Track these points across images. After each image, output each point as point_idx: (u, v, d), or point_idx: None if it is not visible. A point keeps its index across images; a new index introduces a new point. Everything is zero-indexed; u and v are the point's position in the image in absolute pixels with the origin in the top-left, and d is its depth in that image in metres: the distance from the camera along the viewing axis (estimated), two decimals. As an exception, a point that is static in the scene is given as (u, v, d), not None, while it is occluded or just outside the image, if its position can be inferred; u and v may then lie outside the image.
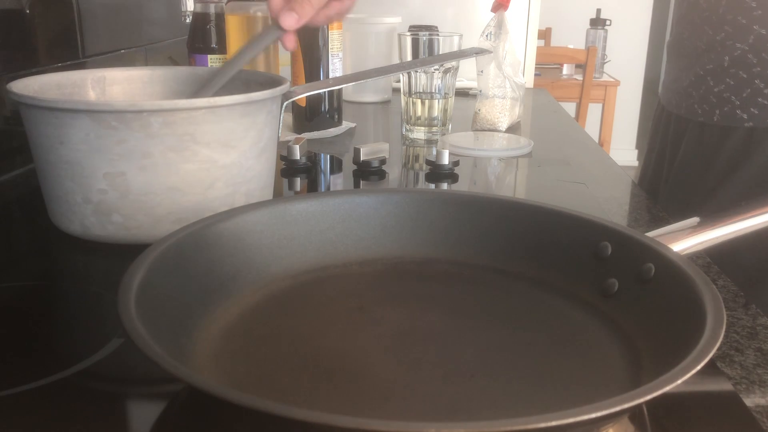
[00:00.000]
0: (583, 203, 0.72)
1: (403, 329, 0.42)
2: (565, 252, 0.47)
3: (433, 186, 0.78)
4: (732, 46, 0.79)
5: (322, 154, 0.89)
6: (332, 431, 0.26)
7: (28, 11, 0.77)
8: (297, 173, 0.79)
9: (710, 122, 0.83)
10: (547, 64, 3.19)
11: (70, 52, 0.86)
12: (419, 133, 0.99)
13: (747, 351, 0.43)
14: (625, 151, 4.16)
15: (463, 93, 1.31)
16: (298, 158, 0.80)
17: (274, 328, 0.41)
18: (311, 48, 0.94)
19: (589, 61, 2.85)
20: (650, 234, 0.44)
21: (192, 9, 1.00)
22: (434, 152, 0.80)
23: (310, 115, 0.97)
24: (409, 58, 0.98)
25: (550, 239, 0.48)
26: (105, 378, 0.38)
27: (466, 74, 1.33)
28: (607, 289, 0.44)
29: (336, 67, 0.96)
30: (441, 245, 0.51)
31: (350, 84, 0.82)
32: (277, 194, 0.71)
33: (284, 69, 1.07)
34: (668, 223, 0.47)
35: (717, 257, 0.57)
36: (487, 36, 1.00)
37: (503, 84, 1.01)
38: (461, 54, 0.87)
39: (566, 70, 3.19)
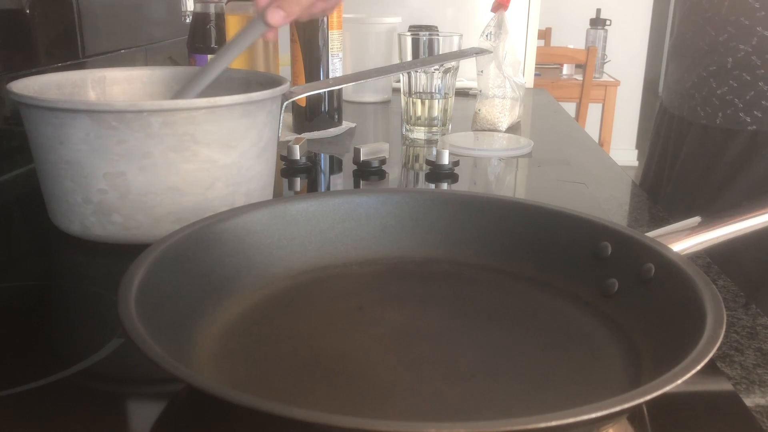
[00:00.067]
0: (583, 203, 0.72)
1: (403, 329, 0.42)
2: (565, 252, 0.47)
3: (433, 186, 0.78)
4: (735, 47, 0.78)
5: (322, 154, 0.89)
6: (332, 431, 0.26)
7: (28, 11, 0.77)
8: (297, 173, 0.79)
9: (713, 125, 0.81)
10: (547, 64, 3.19)
11: (70, 52, 0.86)
12: (419, 133, 0.99)
13: (747, 351, 0.43)
14: (625, 151, 4.16)
15: (463, 93, 1.31)
16: (298, 158, 0.80)
17: (274, 328, 0.41)
18: (311, 48, 0.94)
19: (589, 61, 2.85)
20: (650, 234, 0.44)
21: (192, 9, 1.00)
22: (434, 152, 0.80)
23: (310, 115, 0.97)
24: (409, 58, 0.98)
25: (550, 239, 0.48)
26: (105, 378, 0.38)
27: (466, 74, 1.33)
28: (607, 289, 0.44)
29: (336, 67, 0.96)
30: (441, 245, 0.51)
31: (350, 84, 0.82)
32: (277, 194, 0.71)
33: (284, 69, 1.07)
34: (668, 223, 0.47)
35: (718, 259, 0.57)
36: (487, 36, 1.00)
37: (503, 84, 1.01)
38: (461, 54, 0.87)
39: (566, 70, 3.19)
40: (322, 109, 0.97)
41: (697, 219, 0.45)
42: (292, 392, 0.35)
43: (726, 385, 0.39)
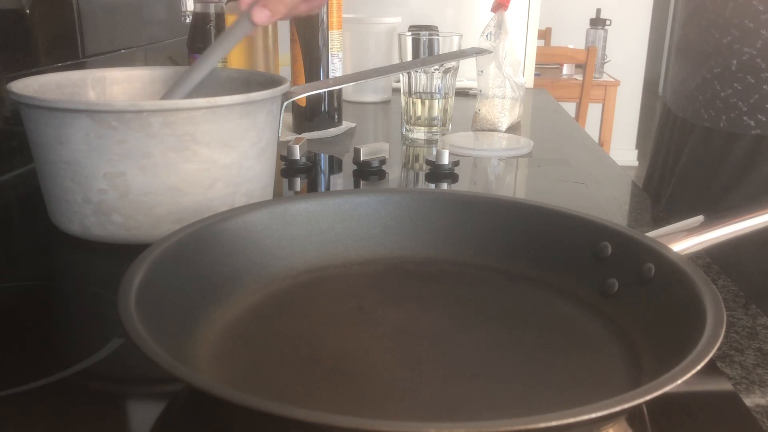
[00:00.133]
0: (583, 203, 0.72)
1: (403, 329, 0.42)
2: (565, 252, 0.47)
3: (433, 186, 0.78)
4: (740, 50, 0.77)
5: (322, 154, 0.89)
6: (332, 431, 0.26)
7: (28, 11, 0.77)
8: (297, 173, 0.79)
9: (716, 128, 0.80)
10: (547, 64, 3.19)
11: (70, 52, 0.86)
12: (419, 133, 0.99)
13: (747, 351, 0.43)
14: (625, 151, 4.16)
15: (463, 93, 1.31)
16: (298, 158, 0.80)
17: (274, 328, 0.41)
18: (311, 48, 0.94)
19: (589, 61, 2.85)
20: (650, 234, 0.44)
21: (192, 9, 1.00)
22: (434, 152, 0.80)
23: (310, 115, 0.97)
24: (409, 58, 0.98)
25: (550, 239, 0.48)
26: (105, 378, 0.38)
27: (466, 74, 1.33)
28: (607, 289, 0.44)
29: (336, 67, 0.96)
30: (441, 245, 0.51)
31: (350, 84, 0.82)
32: (277, 194, 0.71)
33: (284, 69, 1.07)
34: (668, 223, 0.47)
35: (720, 263, 0.57)
36: (487, 36, 1.00)
37: (503, 84, 1.01)
38: (461, 54, 0.87)
39: (566, 70, 3.19)
40: (322, 109, 0.97)
41: (699, 218, 0.45)
42: (292, 392, 0.35)
43: (726, 385, 0.39)
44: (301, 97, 0.67)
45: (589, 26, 3.39)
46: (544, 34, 3.65)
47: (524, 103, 1.11)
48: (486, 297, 0.46)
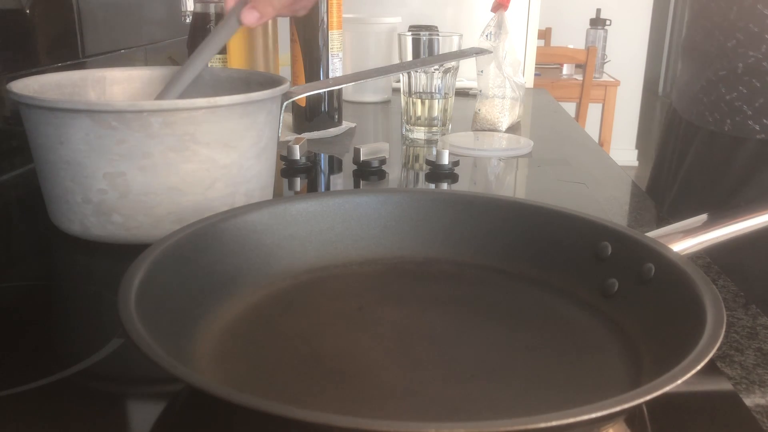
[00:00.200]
0: (583, 203, 0.72)
1: (403, 329, 0.42)
2: (565, 252, 0.47)
3: (433, 186, 0.78)
4: (745, 53, 0.75)
5: (322, 154, 0.89)
6: (332, 431, 0.26)
7: (28, 11, 0.77)
8: (297, 173, 0.79)
9: (721, 131, 0.79)
10: (547, 64, 3.19)
11: (70, 52, 0.86)
12: (419, 133, 0.99)
13: (747, 351, 0.43)
14: (625, 151, 4.16)
15: (463, 93, 1.31)
16: (298, 158, 0.80)
17: (274, 328, 0.41)
18: (311, 48, 0.94)
19: (589, 61, 2.85)
20: (650, 234, 0.44)
21: (192, 9, 1.00)
22: (434, 152, 0.80)
23: (310, 115, 0.97)
24: (409, 58, 0.98)
25: (550, 239, 0.48)
26: (105, 378, 0.38)
27: (466, 74, 1.33)
28: (607, 289, 0.44)
29: (336, 67, 0.96)
30: (441, 245, 0.51)
31: (350, 84, 0.82)
32: (277, 194, 0.71)
33: (284, 69, 1.07)
34: (668, 223, 0.47)
35: (719, 262, 0.57)
36: (487, 36, 1.00)
37: (503, 84, 1.01)
38: (461, 54, 0.87)
39: (566, 70, 3.19)
40: (322, 109, 0.97)
41: (699, 218, 0.45)
42: (292, 392, 0.35)
43: (726, 385, 0.39)
44: (301, 97, 0.67)
45: (589, 26, 3.40)
46: (544, 34, 3.65)
47: (524, 103, 1.11)
48: (486, 297, 0.46)
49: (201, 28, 0.92)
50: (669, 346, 0.35)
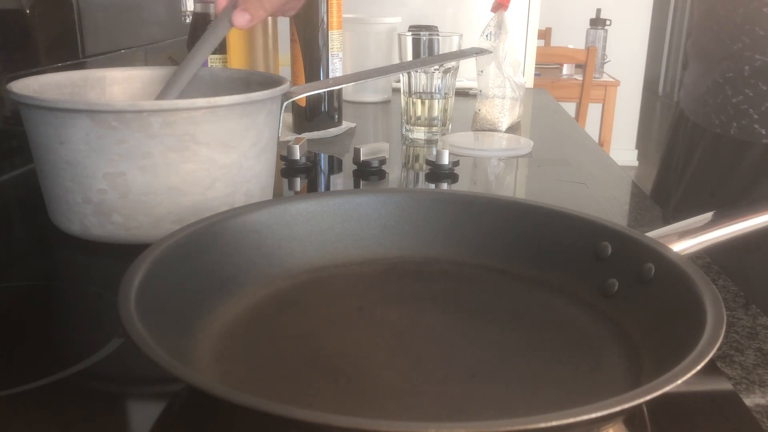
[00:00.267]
0: (583, 203, 0.72)
1: (403, 329, 0.42)
2: (565, 252, 0.47)
3: (433, 186, 0.78)
4: (751, 57, 0.75)
5: (322, 154, 0.89)
6: (332, 431, 0.26)
7: (28, 11, 0.77)
8: (297, 173, 0.79)
9: (727, 134, 0.78)
10: (547, 64, 3.19)
11: (70, 52, 0.86)
12: (419, 133, 0.99)
13: (747, 351, 0.43)
14: (625, 151, 4.16)
15: (463, 93, 1.31)
16: (298, 158, 0.80)
17: (274, 328, 0.41)
18: (311, 48, 0.94)
19: (589, 61, 2.85)
20: (650, 234, 0.44)
21: (192, 9, 1.00)
22: (434, 152, 0.80)
23: (310, 115, 0.97)
24: (409, 58, 0.98)
25: (550, 239, 0.48)
26: (105, 378, 0.38)
27: (466, 74, 1.33)
28: (607, 289, 0.44)
29: (336, 67, 0.96)
30: (441, 245, 0.51)
31: (350, 84, 0.82)
32: (277, 194, 0.71)
33: (284, 69, 1.07)
34: (668, 223, 0.47)
35: (721, 263, 0.57)
36: (487, 36, 1.00)
37: (503, 84, 1.01)
38: (461, 54, 0.87)
39: (566, 70, 3.19)
40: (322, 109, 0.97)
41: (699, 218, 0.45)
42: (292, 392, 0.35)
43: (726, 385, 0.39)
44: (301, 97, 0.67)
45: (589, 26, 3.39)
46: (544, 34, 3.65)
47: (524, 103, 1.11)
48: (486, 297, 0.46)
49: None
50: (669, 346, 0.35)
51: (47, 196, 0.57)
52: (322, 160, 0.87)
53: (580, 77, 3.00)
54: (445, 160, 0.79)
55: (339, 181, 0.80)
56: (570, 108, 2.75)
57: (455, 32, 0.98)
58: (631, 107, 4.14)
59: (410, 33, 0.98)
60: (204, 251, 0.43)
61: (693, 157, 0.84)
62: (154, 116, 0.51)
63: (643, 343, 0.38)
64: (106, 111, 0.50)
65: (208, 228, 0.44)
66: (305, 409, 0.26)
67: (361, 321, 0.43)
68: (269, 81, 0.65)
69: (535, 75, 2.16)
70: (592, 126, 3.36)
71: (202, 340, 0.39)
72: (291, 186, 0.76)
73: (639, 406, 0.30)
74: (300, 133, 0.95)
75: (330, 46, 0.95)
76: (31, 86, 0.59)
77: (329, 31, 0.94)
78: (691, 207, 0.82)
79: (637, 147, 4.26)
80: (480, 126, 1.03)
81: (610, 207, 0.71)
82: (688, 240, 0.43)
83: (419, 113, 0.98)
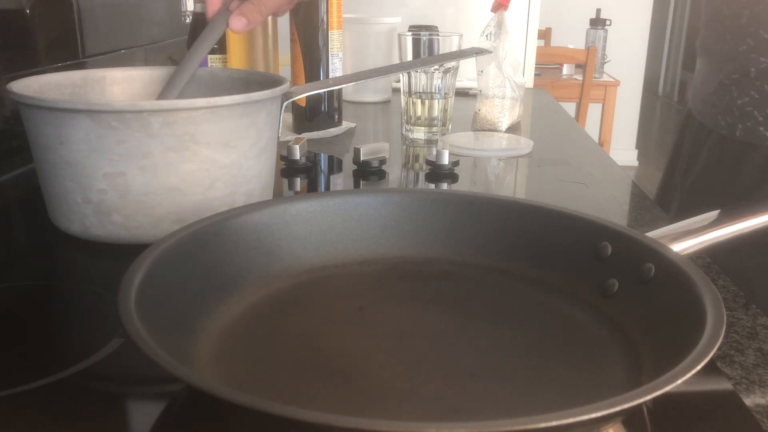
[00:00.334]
0: (583, 203, 0.72)
1: (403, 329, 0.42)
2: (565, 252, 0.47)
3: (433, 186, 0.78)
4: (756, 59, 0.74)
5: (322, 154, 0.89)
6: (332, 431, 0.26)
7: (28, 11, 0.77)
8: (297, 173, 0.79)
9: (732, 136, 0.78)
10: (547, 64, 3.19)
11: (70, 52, 0.86)
12: (419, 133, 0.99)
13: (747, 351, 0.43)
14: (625, 151, 4.16)
15: (463, 93, 1.31)
16: (298, 158, 0.80)
17: (274, 328, 0.41)
18: (311, 48, 0.94)
19: (589, 61, 2.85)
20: (650, 234, 0.44)
21: (192, 9, 1.00)
22: (434, 152, 0.80)
23: (310, 115, 0.97)
24: (409, 58, 0.98)
25: (550, 239, 0.48)
26: (105, 378, 0.38)
27: (466, 74, 1.33)
28: (607, 289, 0.44)
29: (336, 67, 0.96)
30: (441, 245, 0.51)
31: (350, 84, 0.82)
32: (277, 194, 0.71)
33: (284, 69, 1.07)
34: (668, 223, 0.47)
35: (721, 263, 0.57)
36: (487, 36, 1.00)
37: (503, 84, 1.01)
38: (461, 54, 0.87)
39: (566, 70, 3.19)
40: (322, 109, 0.97)
41: (700, 218, 0.45)
42: (292, 392, 0.35)
43: (726, 385, 0.39)
44: (301, 97, 0.67)
45: (589, 26, 3.39)
46: (544, 34, 3.65)
47: (524, 103, 1.11)
48: (486, 297, 0.46)
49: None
50: (669, 346, 0.35)
51: (47, 196, 0.57)
52: (322, 160, 0.87)
53: (580, 77, 3.00)
54: (445, 160, 0.79)
55: (339, 181, 0.80)
56: (570, 108, 2.75)
57: (455, 32, 0.98)
58: (631, 107, 4.14)
59: (410, 33, 0.98)
60: (204, 251, 0.43)
61: (699, 158, 0.84)
62: (154, 116, 0.51)
63: (643, 343, 0.38)
64: (106, 111, 0.50)
65: (208, 228, 0.44)
66: (305, 409, 0.26)
67: (361, 321, 0.43)
68: (269, 81, 0.65)
69: (535, 75, 2.16)
70: (592, 126, 3.36)
71: (202, 339, 0.39)
72: (291, 186, 0.76)
73: (639, 406, 0.30)
74: (300, 133, 0.95)
75: (330, 46, 0.95)
76: (31, 86, 0.59)
77: (329, 31, 0.94)
78: (696, 208, 0.82)
79: (637, 147, 4.26)
80: (480, 126, 1.03)
81: (610, 207, 0.71)
82: (688, 240, 0.43)
83: (419, 113, 0.98)
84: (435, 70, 0.95)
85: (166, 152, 0.52)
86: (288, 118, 1.00)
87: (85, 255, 0.55)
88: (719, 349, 0.42)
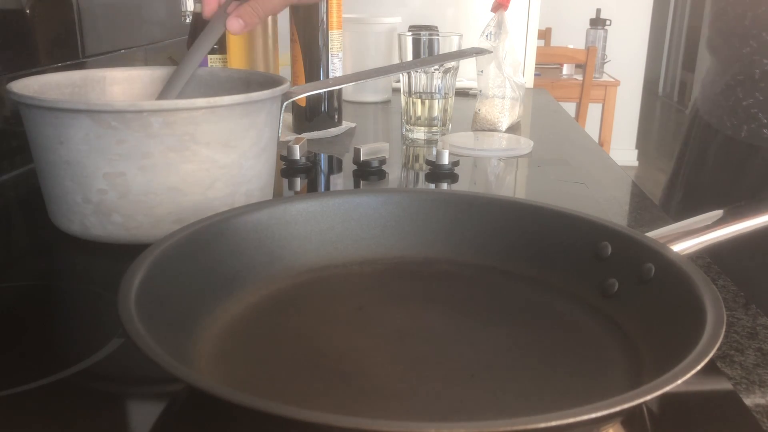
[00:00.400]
0: (583, 203, 0.72)
1: (403, 329, 0.42)
2: (565, 252, 0.47)
3: (433, 186, 0.78)
4: (759, 61, 0.74)
5: (322, 154, 0.89)
6: (332, 431, 0.26)
7: (28, 11, 0.77)
8: (297, 173, 0.79)
9: (738, 137, 0.77)
10: (547, 64, 3.20)
11: (70, 52, 0.86)
12: (419, 133, 0.99)
13: (747, 351, 0.43)
14: (625, 151, 4.16)
15: (463, 93, 1.31)
16: (298, 158, 0.80)
17: (274, 328, 0.41)
18: (311, 48, 0.94)
19: (589, 61, 2.85)
20: (650, 234, 0.44)
21: (192, 9, 1.00)
22: (434, 152, 0.80)
23: (310, 115, 0.97)
24: (409, 58, 0.98)
25: (550, 239, 0.48)
26: (105, 378, 0.38)
27: (466, 74, 1.33)
28: (607, 289, 0.44)
29: (336, 67, 0.96)
30: (441, 245, 0.51)
31: (350, 84, 0.82)
32: (277, 194, 0.71)
33: (284, 69, 1.07)
34: (668, 223, 0.47)
35: (721, 263, 0.57)
36: (487, 36, 1.00)
37: (503, 84, 1.01)
38: (461, 54, 0.87)
39: (566, 70, 3.19)
40: (322, 109, 0.97)
41: (700, 218, 0.45)
42: (292, 392, 0.35)
43: (726, 385, 0.39)
44: (301, 97, 0.67)
45: (589, 26, 3.40)
46: (544, 34, 3.65)
47: (524, 103, 1.11)
48: (486, 297, 0.46)
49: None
50: (669, 346, 0.35)
51: (47, 196, 0.57)
52: (322, 160, 0.87)
53: (580, 77, 3.00)
54: (445, 160, 0.79)
55: (339, 181, 0.80)
56: (570, 108, 2.75)
57: (455, 32, 0.98)
58: (631, 107, 4.14)
59: (410, 33, 0.98)
60: (204, 251, 0.43)
61: (706, 158, 0.84)
62: (154, 116, 0.51)
63: (643, 343, 0.39)
64: (106, 111, 0.50)
65: (208, 228, 0.44)
66: (305, 409, 0.26)
67: (361, 321, 0.43)
68: (269, 81, 0.65)
69: (535, 75, 2.16)
70: (592, 126, 3.36)
71: (202, 339, 0.39)
72: (291, 186, 0.76)
73: (639, 406, 0.30)
74: (300, 133, 0.95)
75: (330, 46, 0.95)
76: (31, 86, 0.59)
77: (329, 31, 0.94)
78: (701, 208, 0.82)
79: (637, 147, 4.26)
80: (480, 126, 1.03)
81: (610, 207, 0.71)
82: (688, 240, 0.43)
83: (419, 113, 0.98)
84: (435, 70, 0.95)
85: (166, 152, 0.52)
86: (288, 118, 1.00)
87: (85, 255, 0.55)
88: (719, 349, 0.42)
